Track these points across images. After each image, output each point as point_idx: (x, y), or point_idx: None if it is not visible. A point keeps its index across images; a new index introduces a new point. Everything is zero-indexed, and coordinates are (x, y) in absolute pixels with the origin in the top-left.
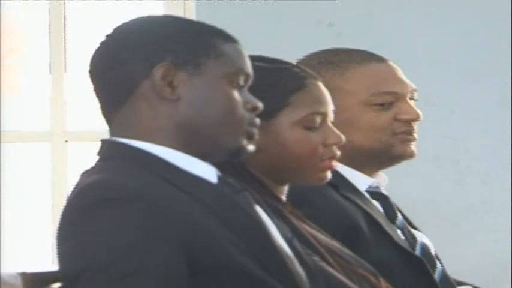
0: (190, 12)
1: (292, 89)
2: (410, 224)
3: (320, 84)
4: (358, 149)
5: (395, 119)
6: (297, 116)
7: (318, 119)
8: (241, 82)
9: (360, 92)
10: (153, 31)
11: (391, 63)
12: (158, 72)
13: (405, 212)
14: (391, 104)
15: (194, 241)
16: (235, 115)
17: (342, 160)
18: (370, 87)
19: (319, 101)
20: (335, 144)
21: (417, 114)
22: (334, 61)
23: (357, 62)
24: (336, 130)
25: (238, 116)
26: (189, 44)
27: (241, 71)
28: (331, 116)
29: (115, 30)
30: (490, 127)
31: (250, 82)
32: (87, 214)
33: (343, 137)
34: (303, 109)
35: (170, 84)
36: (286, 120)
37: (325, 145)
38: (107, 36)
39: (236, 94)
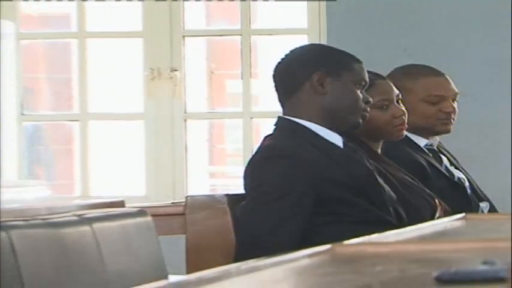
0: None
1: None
2: (455, 165)
3: (386, 81)
4: (416, 126)
5: (440, 111)
6: (372, 103)
7: (386, 102)
8: (362, 85)
9: (421, 93)
10: (313, 52)
11: (445, 76)
12: (315, 76)
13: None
14: (438, 101)
15: (321, 185)
16: (357, 105)
17: (409, 131)
18: (426, 90)
19: (384, 91)
20: (401, 115)
21: (454, 108)
22: (411, 72)
23: (423, 74)
24: (400, 107)
25: (359, 105)
26: (334, 61)
27: (363, 79)
28: (397, 99)
29: (290, 51)
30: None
31: (367, 86)
32: (260, 165)
33: (405, 111)
34: (374, 98)
35: (321, 85)
36: None
37: (395, 117)
38: (285, 55)
39: (358, 92)
